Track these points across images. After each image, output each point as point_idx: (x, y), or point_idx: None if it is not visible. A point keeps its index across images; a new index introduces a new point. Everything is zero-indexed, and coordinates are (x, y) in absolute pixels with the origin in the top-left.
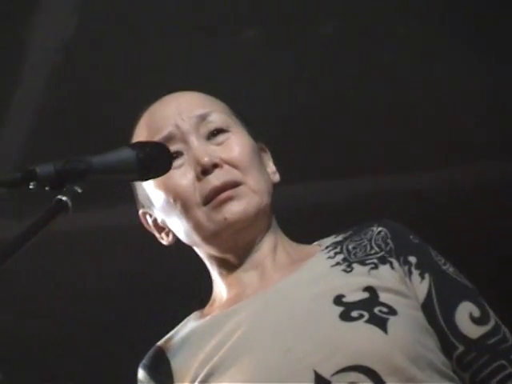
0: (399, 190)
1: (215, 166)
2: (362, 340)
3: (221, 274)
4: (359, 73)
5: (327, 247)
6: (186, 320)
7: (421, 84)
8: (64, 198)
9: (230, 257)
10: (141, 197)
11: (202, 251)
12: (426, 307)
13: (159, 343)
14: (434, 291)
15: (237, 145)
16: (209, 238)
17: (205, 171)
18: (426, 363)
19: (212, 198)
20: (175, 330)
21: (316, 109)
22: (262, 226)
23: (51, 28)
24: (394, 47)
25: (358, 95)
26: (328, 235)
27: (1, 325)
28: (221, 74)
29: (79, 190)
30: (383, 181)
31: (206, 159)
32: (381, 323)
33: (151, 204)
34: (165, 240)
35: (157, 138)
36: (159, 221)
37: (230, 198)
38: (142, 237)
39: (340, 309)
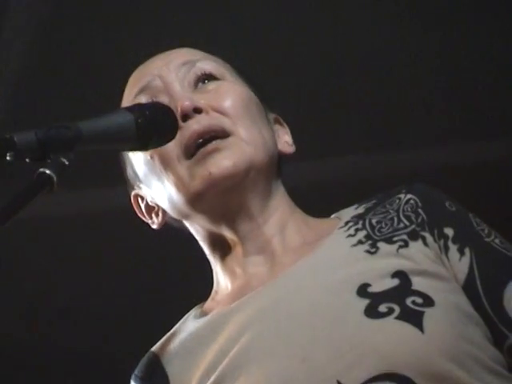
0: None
1: (197, 110)
2: (393, 342)
3: (220, 258)
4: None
5: (347, 223)
6: (185, 318)
7: None
8: (48, 171)
9: (226, 231)
10: (129, 173)
11: (194, 225)
12: (468, 289)
13: (154, 349)
14: (476, 269)
15: (227, 90)
16: (193, 199)
17: (185, 116)
18: (472, 362)
19: (195, 150)
20: (173, 330)
21: None
22: (259, 189)
23: None
24: None
25: None
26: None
27: None
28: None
29: (66, 162)
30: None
31: (186, 102)
32: (415, 319)
33: (136, 177)
34: (155, 222)
35: (135, 91)
36: (149, 200)
37: (215, 150)
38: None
39: (365, 302)
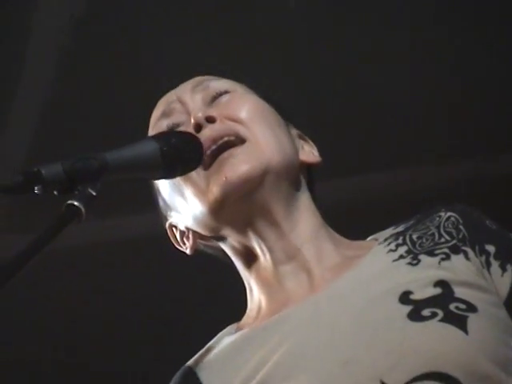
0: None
1: (210, 119)
2: (437, 342)
3: (253, 273)
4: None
5: (386, 239)
6: (219, 335)
7: None
8: (76, 203)
9: (254, 241)
10: (161, 205)
11: (223, 240)
12: (511, 304)
13: (188, 363)
14: None
15: (241, 99)
16: (214, 208)
17: (197, 126)
18: None
19: (212, 160)
20: (207, 346)
21: None
22: (281, 194)
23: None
24: None
25: None
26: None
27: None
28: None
29: (94, 193)
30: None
31: (198, 114)
32: (459, 322)
33: (166, 206)
34: (188, 246)
35: (156, 117)
36: (180, 225)
37: (231, 156)
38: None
39: (408, 308)
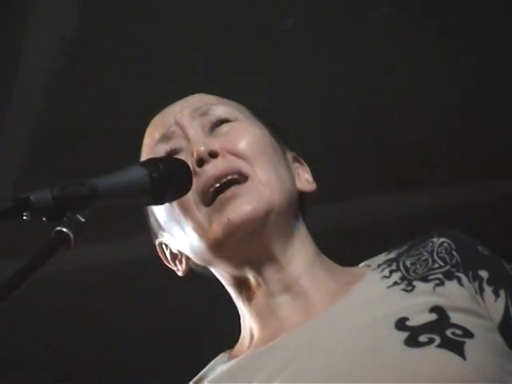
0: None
1: (213, 154)
2: (437, 368)
3: (247, 302)
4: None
5: (379, 265)
6: (212, 363)
7: None
8: (65, 230)
9: (250, 275)
10: (152, 223)
11: (218, 271)
12: (505, 329)
13: None
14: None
15: (241, 131)
16: (214, 246)
17: (200, 161)
18: None
19: (213, 197)
20: (199, 375)
21: None
22: (281, 230)
23: (49, 28)
24: None
25: None
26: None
27: None
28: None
29: (82, 220)
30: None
31: (201, 148)
32: (457, 348)
33: (159, 226)
34: (180, 269)
35: (154, 141)
36: (173, 247)
37: (234, 196)
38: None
39: (404, 334)
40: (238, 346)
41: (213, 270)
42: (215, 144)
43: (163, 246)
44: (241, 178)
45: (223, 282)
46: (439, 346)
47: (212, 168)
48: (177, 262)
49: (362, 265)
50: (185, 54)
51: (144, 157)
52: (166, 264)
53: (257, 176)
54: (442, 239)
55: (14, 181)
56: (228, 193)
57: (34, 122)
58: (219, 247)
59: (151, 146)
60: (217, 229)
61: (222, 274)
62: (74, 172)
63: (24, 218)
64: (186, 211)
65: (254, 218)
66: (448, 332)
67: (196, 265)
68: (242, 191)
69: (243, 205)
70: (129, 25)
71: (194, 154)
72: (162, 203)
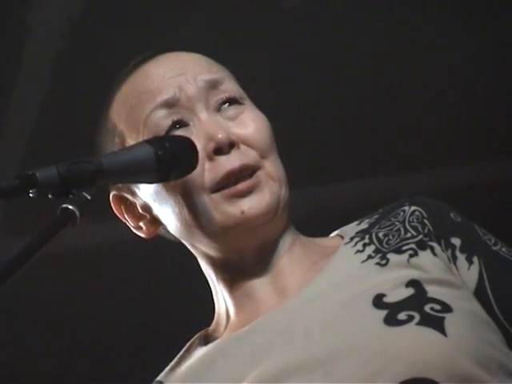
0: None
1: (232, 144)
2: (418, 347)
3: (224, 283)
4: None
5: (352, 238)
6: (188, 345)
7: None
8: (71, 207)
9: (235, 259)
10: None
11: (199, 250)
12: (478, 297)
13: (159, 377)
14: (485, 277)
15: (253, 120)
16: (215, 233)
17: (218, 150)
18: (496, 366)
19: (226, 186)
20: (177, 358)
21: None
22: (280, 223)
23: (56, 8)
24: None
25: None
26: None
27: None
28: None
29: (88, 197)
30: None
31: (221, 136)
32: (437, 324)
33: (135, 185)
34: (144, 231)
35: (154, 104)
36: (139, 206)
37: (247, 190)
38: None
39: (383, 312)
40: (214, 325)
41: (190, 246)
42: (233, 133)
43: (121, 200)
44: (252, 171)
45: (200, 259)
46: (419, 323)
47: (230, 163)
48: (141, 224)
49: (333, 234)
50: (194, 34)
51: (138, 110)
52: (119, 216)
53: (266, 168)
54: (413, 207)
55: (20, 160)
56: (244, 185)
57: (41, 102)
58: (222, 234)
59: (150, 108)
60: (228, 219)
61: (202, 252)
62: (81, 149)
63: (30, 195)
64: (192, 194)
65: (267, 213)
66: (427, 308)
67: (168, 234)
68: (255, 186)
69: (258, 200)
70: (135, 5)
71: (214, 142)
72: (167, 181)
